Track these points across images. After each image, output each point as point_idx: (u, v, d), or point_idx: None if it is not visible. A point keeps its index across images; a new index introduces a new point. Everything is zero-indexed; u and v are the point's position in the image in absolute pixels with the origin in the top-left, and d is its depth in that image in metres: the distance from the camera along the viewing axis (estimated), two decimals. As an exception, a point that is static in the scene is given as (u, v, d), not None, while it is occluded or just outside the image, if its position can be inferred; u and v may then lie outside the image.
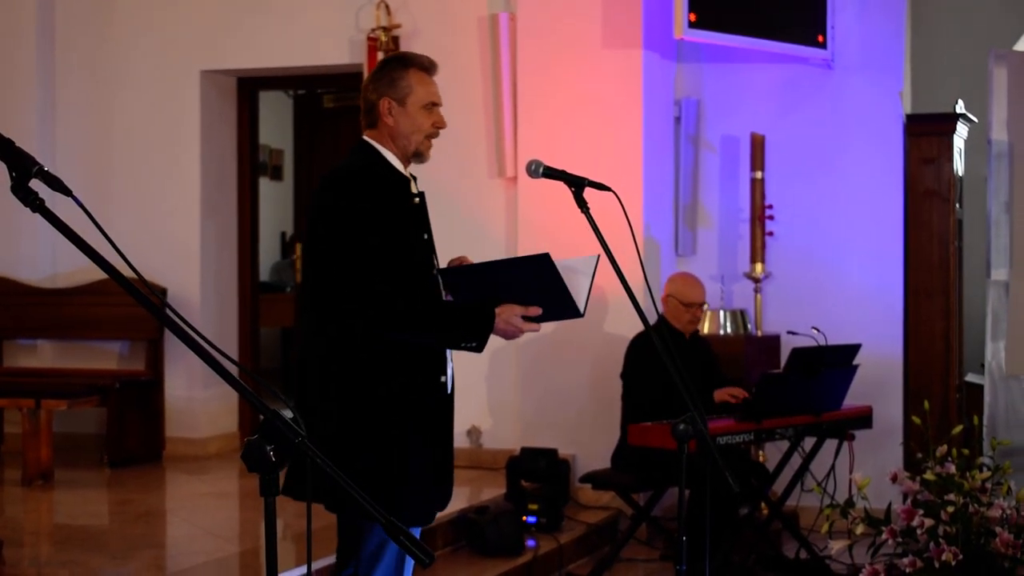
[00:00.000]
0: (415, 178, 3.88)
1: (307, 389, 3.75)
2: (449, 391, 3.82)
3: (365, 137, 3.85)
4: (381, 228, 3.64)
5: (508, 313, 3.68)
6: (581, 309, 3.71)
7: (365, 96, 3.87)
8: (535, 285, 3.68)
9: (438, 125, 3.84)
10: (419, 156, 3.84)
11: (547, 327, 4.44)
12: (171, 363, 8.36)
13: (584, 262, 3.74)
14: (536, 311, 3.70)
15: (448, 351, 3.80)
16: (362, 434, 3.65)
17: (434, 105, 3.83)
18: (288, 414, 2.31)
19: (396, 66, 3.84)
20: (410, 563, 3.73)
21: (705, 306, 6.78)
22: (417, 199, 3.83)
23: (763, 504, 6.74)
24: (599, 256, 3.73)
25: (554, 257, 3.68)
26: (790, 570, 6.52)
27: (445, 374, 3.78)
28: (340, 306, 3.63)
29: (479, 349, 3.71)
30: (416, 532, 3.83)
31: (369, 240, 3.61)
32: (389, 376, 3.66)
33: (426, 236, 3.83)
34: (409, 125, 3.79)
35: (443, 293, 3.81)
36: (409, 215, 3.77)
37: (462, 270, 3.78)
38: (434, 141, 3.88)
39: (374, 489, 3.54)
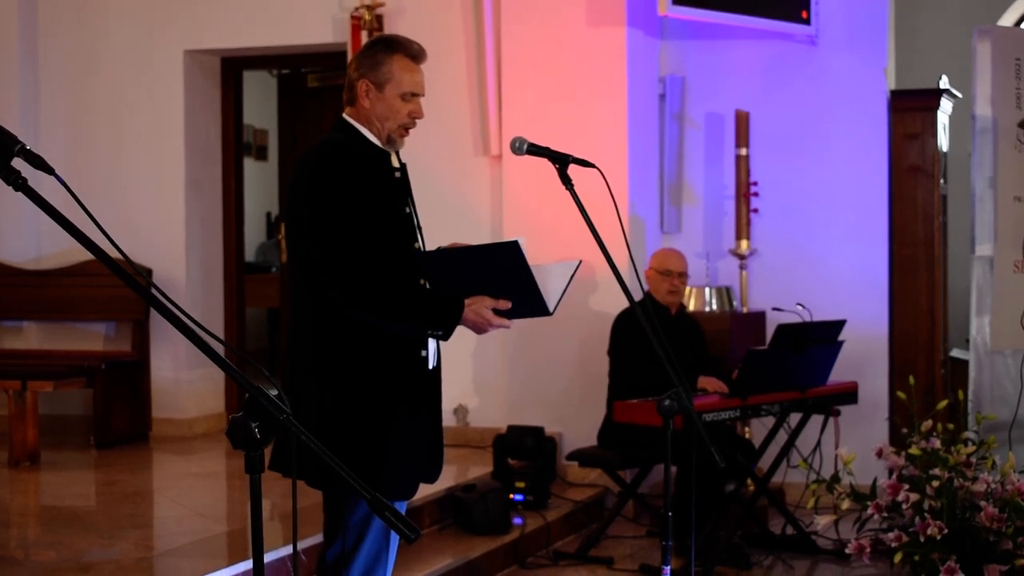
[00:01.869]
0: (396, 151, 3.82)
1: (294, 367, 3.75)
2: (432, 367, 3.80)
3: (344, 115, 3.81)
4: (358, 205, 3.61)
5: (479, 305, 3.66)
6: (550, 307, 3.71)
7: (348, 73, 3.82)
8: (505, 275, 3.65)
9: (414, 115, 3.76)
10: (391, 143, 3.77)
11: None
12: (157, 344, 8.34)
13: (565, 265, 3.75)
14: (506, 304, 3.68)
15: None
16: (342, 410, 3.64)
17: (414, 95, 3.75)
18: (273, 392, 2.31)
19: (382, 48, 3.77)
20: (395, 537, 3.74)
21: (686, 278, 6.75)
22: (398, 173, 3.79)
23: (749, 480, 6.76)
24: (580, 262, 3.75)
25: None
26: (776, 546, 6.55)
27: (426, 349, 3.75)
28: (319, 281, 3.61)
29: (445, 337, 3.71)
30: (402, 507, 3.84)
31: (346, 217, 3.59)
32: (368, 352, 3.64)
33: (408, 210, 3.79)
34: (384, 110, 3.73)
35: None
36: (389, 190, 3.73)
37: (437, 255, 3.74)
38: (419, 119, 3.80)
39: (355, 464, 3.55)
